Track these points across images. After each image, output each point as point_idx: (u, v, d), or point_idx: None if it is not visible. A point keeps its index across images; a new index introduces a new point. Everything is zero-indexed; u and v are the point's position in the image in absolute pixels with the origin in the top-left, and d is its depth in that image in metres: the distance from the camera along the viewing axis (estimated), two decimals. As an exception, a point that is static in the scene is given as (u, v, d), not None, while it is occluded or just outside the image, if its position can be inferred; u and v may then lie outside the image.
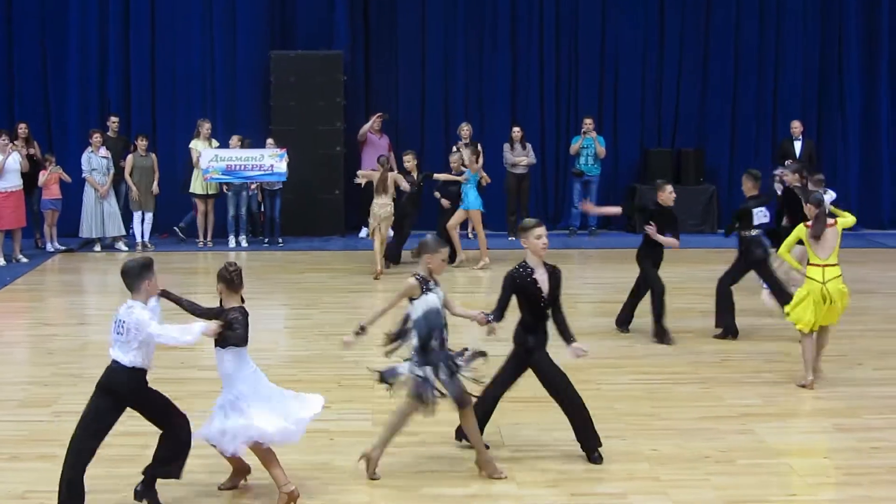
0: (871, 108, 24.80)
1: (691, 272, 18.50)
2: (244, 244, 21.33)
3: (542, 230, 9.55)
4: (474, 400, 9.41)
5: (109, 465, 9.16)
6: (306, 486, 8.99)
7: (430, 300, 9.09)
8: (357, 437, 10.13)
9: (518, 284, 9.46)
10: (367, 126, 22.50)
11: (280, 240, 21.54)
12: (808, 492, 9.01)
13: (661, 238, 13.86)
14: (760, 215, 14.08)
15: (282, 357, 13.42)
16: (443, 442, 10.03)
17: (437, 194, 19.61)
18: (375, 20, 23.77)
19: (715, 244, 22.10)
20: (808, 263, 11.84)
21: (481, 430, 9.49)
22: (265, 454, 8.78)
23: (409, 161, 19.71)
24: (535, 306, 9.49)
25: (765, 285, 14.97)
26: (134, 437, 9.68)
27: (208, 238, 21.60)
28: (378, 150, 22.27)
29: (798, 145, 22.92)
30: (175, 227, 21.93)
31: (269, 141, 21.44)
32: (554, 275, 9.54)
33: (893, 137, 24.71)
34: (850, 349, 13.69)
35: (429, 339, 9.06)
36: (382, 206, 18.37)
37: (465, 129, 22.03)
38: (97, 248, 20.92)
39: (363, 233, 22.35)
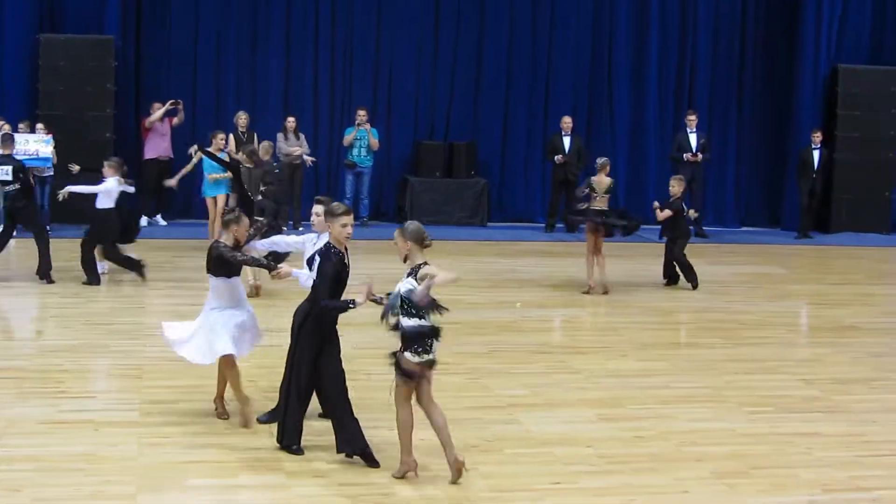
0: (638, 105, 25.46)
1: (459, 264, 18.67)
2: (14, 233, 20.73)
3: (349, 218, 9.40)
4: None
5: None
6: (70, 477, 8.79)
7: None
8: (123, 428, 9.99)
9: (338, 271, 9.29)
10: (159, 114, 22.16)
11: (49, 227, 20.99)
12: (572, 479, 9.18)
13: None
14: None
15: (48, 346, 13.09)
16: (211, 432, 9.94)
17: None
18: (148, 5, 23.38)
19: (485, 237, 22.41)
20: None
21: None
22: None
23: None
24: (340, 289, 9.37)
25: None
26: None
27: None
28: (163, 136, 22.09)
29: (567, 140, 23.34)
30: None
31: (39, 126, 20.89)
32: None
33: (659, 134, 25.38)
34: (614, 341, 14.03)
35: None
36: None
37: (242, 118, 21.87)
38: None
39: (143, 221, 22.28)
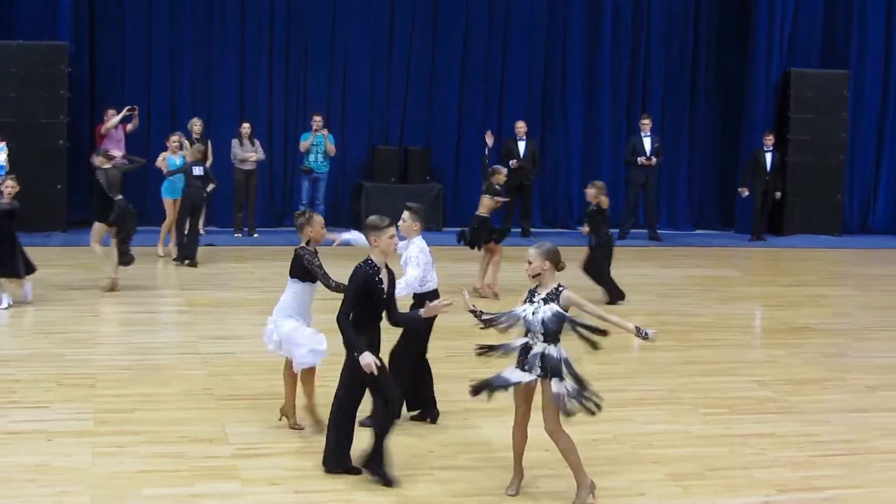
0: (592, 109, 25.56)
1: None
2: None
3: (394, 229, 9.32)
4: None
5: None
6: (22, 488, 8.73)
7: None
8: (77, 438, 9.93)
9: (367, 282, 9.10)
10: (115, 120, 22.04)
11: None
12: (532, 484, 9.20)
13: None
14: None
15: (-1, 356, 13.02)
16: (166, 441, 9.90)
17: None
18: (101, 11, 23.26)
19: (440, 241, 22.36)
20: None
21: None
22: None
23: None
24: (374, 306, 9.17)
25: None
26: None
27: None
28: (118, 142, 21.99)
29: (522, 145, 23.42)
30: None
31: (-8, 133, 20.79)
32: (391, 276, 9.30)
33: (613, 139, 25.50)
34: (569, 345, 13.96)
35: None
36: None
37: (197, 125, 21.81)
38: None
39: None
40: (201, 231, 20.99)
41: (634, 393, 12.16)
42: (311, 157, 22.97)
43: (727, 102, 25.97)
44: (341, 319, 9.04)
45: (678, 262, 21.24)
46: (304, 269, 10.13)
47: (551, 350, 8.86)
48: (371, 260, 9.17)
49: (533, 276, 8.92)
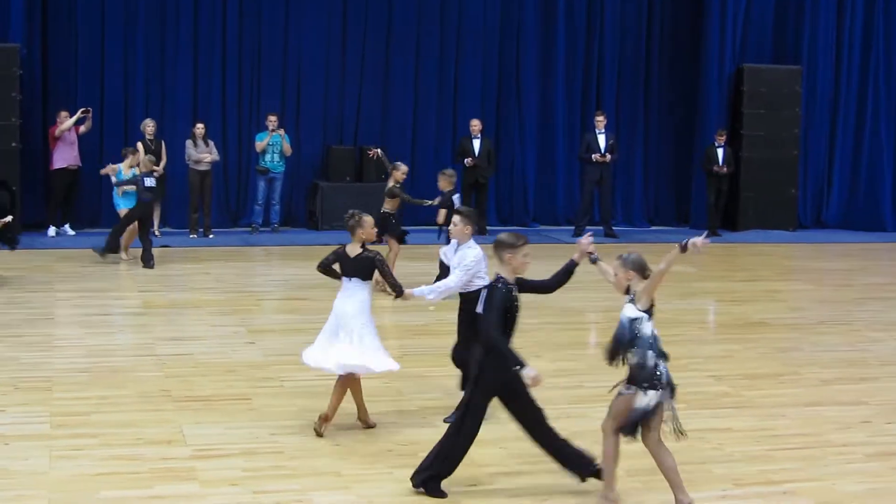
0: (547, 107, 25.66)
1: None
2: None
3: (529, 248, 9.16)
4: None
5: None
6: (-20, 492, 8.71)
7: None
8: (34, 441, 9.86)
9: (506, 299, 8.99)
10: (70, 122, 21.89)
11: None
12: (487, 481, 9.23)
13: None
14: None
15: (-46, 360, 12.92)
16: (123, 443, 9.85)
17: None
18: (53, 13, 23.11)
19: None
20: None
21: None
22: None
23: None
24: (508, 323, 9.07)
25: None
26: None
27: None
28: (71, 144, 21.86)
29: (477, 143, 23.46)
30: None
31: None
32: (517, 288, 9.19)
33: (568, 137, 25.61)
34: (527, 342, 13.98)
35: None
36: None
37: (150, 126, 21.75)
38: None
39: (51, 231, 22.03)
40: (156, 233, 21.08)
41: (591, 389, 12.16)
42: (268, 157, 22.97)
43: (681, 99, 26.15)
44: (498, 339, 8.90)
45: (634, 258, 21.29)
46: (372, 272, 10.15)
47: (639, 359, 8.81)
48: (503, 277, 9.03)
49: (623, 292, 8.83)
